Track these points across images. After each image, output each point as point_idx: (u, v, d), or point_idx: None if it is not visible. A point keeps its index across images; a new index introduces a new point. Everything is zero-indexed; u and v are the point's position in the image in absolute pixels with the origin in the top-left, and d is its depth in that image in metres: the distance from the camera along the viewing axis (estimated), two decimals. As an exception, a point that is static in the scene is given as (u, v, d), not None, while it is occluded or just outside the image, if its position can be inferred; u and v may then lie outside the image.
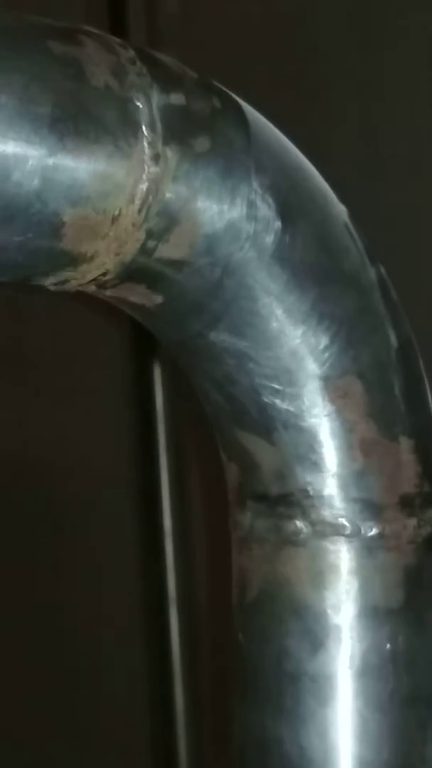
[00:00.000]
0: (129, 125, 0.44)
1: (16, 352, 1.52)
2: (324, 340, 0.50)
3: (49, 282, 0.46)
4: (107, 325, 1.34)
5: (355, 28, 1.18)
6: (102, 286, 0.47)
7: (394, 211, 1.14)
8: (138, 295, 0.48)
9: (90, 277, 0.46)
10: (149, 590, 1.34)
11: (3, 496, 1.51)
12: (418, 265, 1.10)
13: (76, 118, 0.43)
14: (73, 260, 0.45)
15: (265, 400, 0.50)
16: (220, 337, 0.50)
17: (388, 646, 0.50)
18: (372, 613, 0.50)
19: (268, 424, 0.51)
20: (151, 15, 1.31)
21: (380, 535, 0.51)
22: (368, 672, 0.50)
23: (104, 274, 0.47)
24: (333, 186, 0.52)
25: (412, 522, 0.51)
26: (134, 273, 0.47)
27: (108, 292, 0.48)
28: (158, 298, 0.48)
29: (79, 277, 0.46)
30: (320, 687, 0.50)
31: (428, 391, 0.53)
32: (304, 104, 1.20)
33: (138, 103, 0.44)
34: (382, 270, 0.52)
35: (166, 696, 1.32)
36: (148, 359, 1.33)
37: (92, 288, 0.48)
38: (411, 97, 1.13)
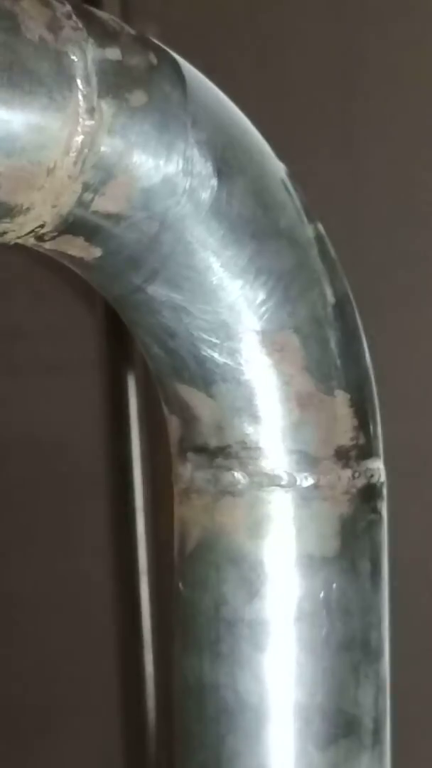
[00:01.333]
0: (63, 78, 0.45)
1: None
2: (261, 295, 0.51)
3: (-12, 233, 0.47)
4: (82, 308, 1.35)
5: (337, 7, 1.19)
6: (40, 238, 0.48)
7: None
8: (76, 248, 0.49)
9: (27, 228, 0.47)
10: (121, 561, 1.35)
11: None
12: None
13: (10, 70, 0.44)
14: (9, 211, 0.46)
15: (204, 353, 0.52)
16: (158, 291, 0.51)
17: (323, 593, 0.52)
18: (307, 561, 0.52)
19: (207, 377, 0.52)
20: None
21: (316, 486, 0.52)
22: (303, 618, 0.51)
23: (41, 226, 0.48)
24: (271, 144, 0.53)
25: (347, 473, 0.53)
26: (72, 226, 0.48)
27: (47, 245, 0.49)
28: (97, 252, 0.49)
29: (17, 229, 0.47)
30: (256, 633, 0.51)
31: (365, 347, 0.55)
32: (278, 81, 1.21)
33: (73, 57, 0.45)
34: (320, 227, 0.53)
35: (137, 664, 1.34)
36: (122, 337, 1.34)
37: (31, 240, 0.49)
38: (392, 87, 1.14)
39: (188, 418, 0.53)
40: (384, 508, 0.54)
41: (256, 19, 1.22)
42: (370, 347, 0.55)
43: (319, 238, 0.53)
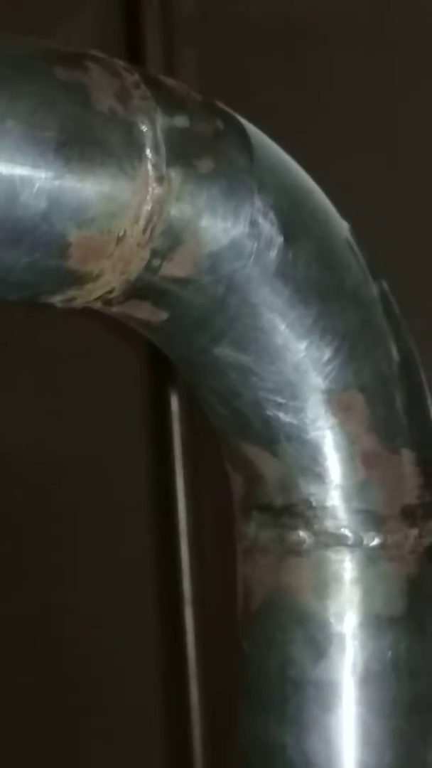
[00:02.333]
0: (133, 148, 0.45)
1: (33, 357, 1.54)
2: (327, 355, 0.51)
3: (56, 300, 0.48)
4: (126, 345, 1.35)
5: (368, 28, 1.19)
6: (108, 303, 0.49)
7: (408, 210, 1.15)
8: (143, 312, 0.49)
9: (96, 294, 0.48)
10: (165, 592, 1.35)
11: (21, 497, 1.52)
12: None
13: (81, 142, 0.44)
14: (79, 279, 0.46)
15: (269, 413, 0.52)
16: (224, 352, 0.51)
17: (390, 653, 0.51)
18: (374, 622, 0.51)
19: (272, 437, 0.52)
20: (167, 35, 1.32)
21: (382, 545, 0.52)
22: (371, 679, 0.51)
23: (110, 292, 0.48)
24: (334, 203, 0.53)
25: (414, 532, 0.52)
26: (139, 290, 0.48)
27: (114, 309, 0.49)
28: (163, 315, 0.50)
29: (86, 295, 0.48)
30: (323, 694, 0.51)
31: (429, 403, 0.54)
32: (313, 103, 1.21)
33: (142, 127, 0.46)
34: (384, 285, 0.53)
35: (181, 698, 1.33)
36: (165, 377, 1.34)
37: (98, 305, 0.49)
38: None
39: (252, 477, 0.53)
40: (450, 565, 0.54)
41: (293, 56, 1.23)
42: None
43: (383, 297, 0.53)
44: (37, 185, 0.44)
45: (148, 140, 0.46)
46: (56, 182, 0.44)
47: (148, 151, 0.46)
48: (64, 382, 1.51)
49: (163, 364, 1.32)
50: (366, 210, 1.16)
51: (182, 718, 1.34)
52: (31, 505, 1.52)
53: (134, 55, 1.30)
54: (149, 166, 0.46)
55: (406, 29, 1.15)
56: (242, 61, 1.30)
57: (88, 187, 0.45)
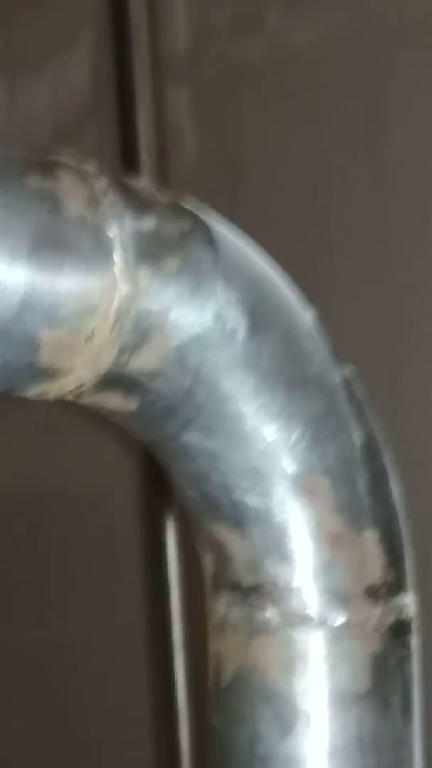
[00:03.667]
0: (102, 251, 0.48)
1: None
2: (291, 440, 0.53)
3: (30, 393, 0.50)
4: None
5: (367, 65, 1.21)
6: (79, 396, 0.51)
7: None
8: (113, 402, 0.51)
9: (67, 389, 0.50)
10: (155, 628, 1.36)
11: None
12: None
13: (52, 247, 0.46)
14: (51, 375, 0.48)
15: (236, 497, 0.53)
16: (192, 438, 0.53)
17: (355, 729, 0.53)
18: (340, 698, 0.53)
19: (240, 519, 0.54)
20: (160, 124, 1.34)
21: (347, 624, 0.54)
22: (336, 754, 0.53)
23: (81, 386, 0.50)
24: (299, 294, 0.55)
25: (378, 611, 0.54)
26: (109, 383, 0.50)
27: (85, 401, 0.51)
28: (133, 405, 0.52)
29: (57, 390, 0.50)
30: (290, 769, 0.53)
31: (393, 484, 0.56)
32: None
33: (109, 232, 0.48)
34: (348, 371, 0.55)
35: (173, 744, 1.34)
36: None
37: (70, 397, 0.51)
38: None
39: (222, 556, 0.55)
40: (414, 642, 0.56)
41: (289, 108, 1.25)
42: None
43: (346, 383, 0.55)
44: (9, 289, 0.46)
45: (117, 243, 0.48)
46: (28, 286, 0.46)
47: (115, 254, 0.48)
48: (58, 415, 1.52)
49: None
50: (352, 252, 1.18)
51: (171, 750, 1.35)
52: (24, 538, 1.53)
53: (125, 91, 1.32)
54: (117, 268, 0.48)
55: (399, 63, 1.18)
56: (233, 100, 1.32)
57: (58, 290, 0.47)
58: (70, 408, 0.53)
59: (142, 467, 1.36)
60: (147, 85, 1.32)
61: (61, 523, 1.51)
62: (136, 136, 1.32)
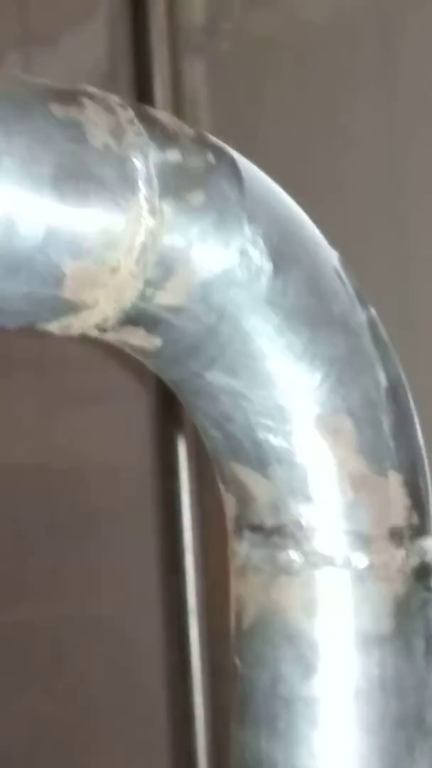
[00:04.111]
0: (127, 182, 0.47)
1: (41, 368, 1.55)
2: (316, 380, 0.53)
3: (53, 327, 0.49)
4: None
5: (380, 38, 1.21)
6: (103, 330, 0.50)
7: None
8: (138, 338, 0.51)
9: (91, 322, 0.49)
10: (170, 601, 1.36)
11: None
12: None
13: (76, 177, 0.46)
14: (74, 308, 0.48)
15: (260, 436, 0.53)
16: (216, 377, 0.52)
17: (377, 671, 0.53)
18: (362, 640, 0.53)
19: (263, 459, 0.53)
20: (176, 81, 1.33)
21: (370, 566, 0.53)
22: (358, 696, 0.53)
23: (105, 320, 0.49)
24: (324, 233, 0.54)
25: (401, 553, 0.54)
26: (133, 318, 0.50)
27: (109, 336, 0.51)
28: (157, 341, 0.51)
29: (81, 323, 0.49)
30: (312, 710, 0.53)
31: (417, 427, 0.56)
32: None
33: (135, 161, 0.47)
34: (373, 312, 0.55)
35: (186, 707, 1.34)
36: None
37: (94, 332, 0.50)
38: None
39: (244, 497, 0.55)
40: (437, 585, 0.55)
41: (302, 81, 1.24)
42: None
43: (371, 324, 0.54)
44: (34, 219, 0.45)
45: (141, 175, 0.47)
46: (52, 215, 0.46)
47: (141, 185, 0.47)
48: (73, 392, 1.52)
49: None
50: (368, 225, 1.17)
51: (187, 728, 1.35)
52: (40, 514, 1.54)
53: (141, 65, 1.32)
54: (142, 200, 0.47)
55: (413, 34, 1.17)
56: (248, 72, 1.31)
57: (83, 220, 0.46)
58: (95, 345, 0.53)
59: (156, 440, 1.36)
60: (163, 58, 1.31)
61: (75, 497, 1.51)
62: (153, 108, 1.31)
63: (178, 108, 1.32)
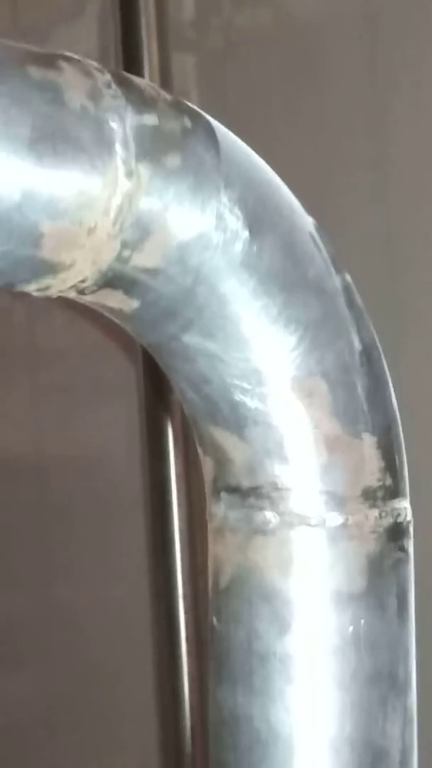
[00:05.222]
0: (104, 144, 0.48)
1: (30, 358, 1.56)
2: (291, 343, 0.54)
3: (32, 288, 0.50)
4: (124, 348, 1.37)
5: (369, 34, 1.22)
6: (81, 292, 0.51)
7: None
8: (115, 300, 0.52)
9: (69, 283, 0.50)
10: (159, 588, 1.37)
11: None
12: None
13: (53, 138, 0.47)
14: (52, 268, 0.49)
15: (236, 398, 0.54)
16: (193, 339, 0.53)
17: (351, 628, 0.54)
18: (335, 598, 0.54)
19: (240, 421, 0.54)
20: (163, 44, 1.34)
21: (344, 525, 0.54)
22: (331, 652, 0.54)
23: (83, 281, 0.50)
24: (300, 199, 0.55)
25: (374, 513, 0.55)
26: (111, 280, 0.51)
27: (87, 298, 0.52)
28: (135, 303, 0.52)
29: (60, 284, 0.50)
30: (287, 666, 0.54)
31: (391, 391, 0.57)
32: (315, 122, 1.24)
33: (112, 124, 0.48)
34: (348, 278, 0.56)
35: (175, 691, 1.35)
36: (163, 379, 1.36)
37: (72, 294, 0.51)
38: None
39: (222, 460, 0.56)
40: (410, 546, 0.56)
41: (292, 77, 1.25)
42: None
43: (346, 288, 0.55)
44: (10, 179, 0.46)
45: (118, 137, 0.48)
46: (29, 176, 0.47)
47: (117, 147, 0.48)
48: (61, 382, 1.53)
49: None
50: (357, 218, 1.18)
51: (176, 714, 1.36)
52: (27, 504, 1.54)
53: (131, 60, 1.33)
54: (119, 162, 0.48)
55: (402, 33, 1.18)
56: (238, 68, 1.32)
57: (60, 181, 0.47)
58: (73, 306, 0.54)
59: (146, 430, 1.37)
60: (153, 53, 1.32)
61: (65, 487, 1.52)
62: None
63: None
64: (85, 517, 1.50)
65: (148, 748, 1.39)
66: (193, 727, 1.31)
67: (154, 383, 1.35)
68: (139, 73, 1.32)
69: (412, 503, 0.57)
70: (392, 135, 1.19)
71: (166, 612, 1.36)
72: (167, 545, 1.35)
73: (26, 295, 0.51)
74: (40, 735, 1.54)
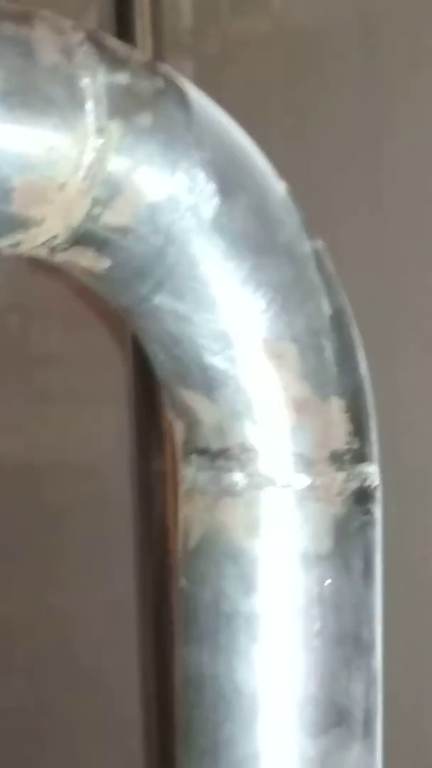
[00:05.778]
0: (75, 100, 0.49)
1: (22, 363, 1.56)
2: (260, 306, 0.54)
3: (3, 245, 0.51)
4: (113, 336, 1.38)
5: (367, 45, 1.23)
6: (53, 250, 0.52)
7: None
8: (87, 259, 0.53)
9: (40, 240, 0.51)
10: (148, 594, 1.37)
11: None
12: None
13: (25, 92, 0.48)
14: (23, 223, 0.50)
15: (206, 360, 0.55)
16: (163, 300, 0.54)
17: (317, 589, 0.54)
18: (302, 559, 0.54)
19: (209, 383, 0.55)
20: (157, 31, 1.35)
21: (311, 487, 0.55)
22: (297, 612, 0.54)
23: (54, 238, 0.51)
24: (273, 164, 0.56)
25: (341, 476, 0.55)
26: (82, 237, 0.52)
27: (59, 256, 0.53)
28: (106, 263, 0.53)
29: (31, 240, 0.51)
30: (252, 626, 0.54)
31: (361, 356, 0.57)
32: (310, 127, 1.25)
33: (84, 80, 0.49)
34: (319, 244, 0.56)
35: (163, 688, 1.35)
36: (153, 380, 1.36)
37: (44, 252, 0.52)
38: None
39: (192, 422, 0.56)
40: (378, 510, 0.57)
41: (290, 84, 1.26)
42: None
43: (316, 254, 0.56)
44: (-20, 131, 0.47)
45: (89, 94, 0.49)
46: (0, 129, 0.47)
47: (89, 104, 0.49)
48: (53, 388, 1.54)
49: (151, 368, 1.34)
50: (352, 221, 1.19)
51: (165, 712, 1.36)
52: (18, 509, 1.55)
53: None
54: (90, 118, 0.49)
55: (399, 45, 1.19)
56: (235, 77, 1.33)
57: (31, 135, 0.48)
58: (44, 267, 0.54)
59: (137, 437, 1.38)
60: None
61: (56, 492, 1.53)
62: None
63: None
64: (76, 523, 1.50)
65: (135, 753, 1.39)
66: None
67: (145, 390, 1.36)
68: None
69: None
70: (391, 142, 1.20)
71: (155, 617, 1.36)
72: (157, 551, 1.36)
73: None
74: (30, 739, 1.54)
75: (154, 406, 1.36)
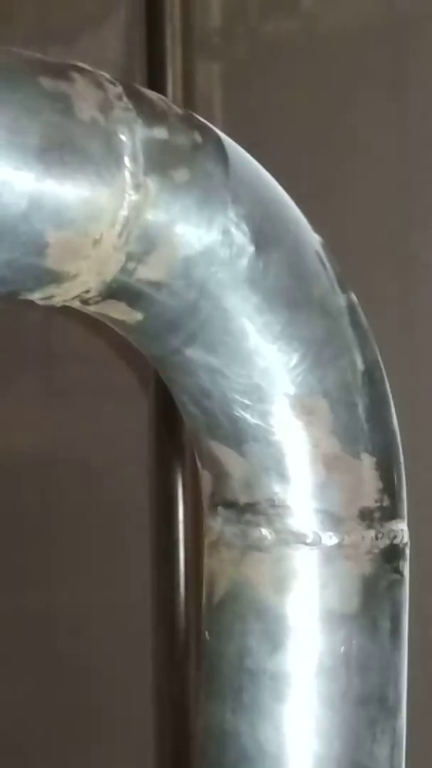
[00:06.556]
0: (112, 156, 0.48)
1: (40, 361, 1.56)
2: (293, 361, 0.54)
3: (36, 297, 0.50)
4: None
5: (397, 43, 1.22)
6: (85, 302, 0.51)
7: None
8: (119, 312, 0.52)
9: (73, 294, 0.50)
10: (163, 592, 1.37)
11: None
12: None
13: (62, 149, 0.47)
14: (57, 278, 0.49)
15: (237, 414, 0.54)
16: (195, 353, 0.53)
17: (343, 648, 0.54)
18: (328, 617, 0.54)
19: (239, 437, 0.54)
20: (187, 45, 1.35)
21: (339, 545, 0.54)
22: (323, 672, 0.54)
23: (87, 292, 0.51)
24: (307, 217, 0.55)
25: (371, 534, 0.55)
26: (115, 291, 0.51)
27: (91, 308, 0.52)
28: (138, 315, 0.52)
29: (64, 294, 0.50)
30: (277, 684, 0.54)
31: (392, 411, 0.57)
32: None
33: (122, 136, 0.48)
34: (353, 297, 0.56)
35: (179, 699, 1.35)
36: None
37: (76, 304, 0.52)
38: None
39: (220, 474, 0.56)
40: (406, 568, 0.56)
41: (318, 85, 1.25)
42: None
43: (350, 308, 0.55)
44: (18, 187, 0.46)
45: (127, 149, 0.48)
46: (37, 185, 0.47)
47: (126, 160, 0.48)
48: (71, 384, 1.53)
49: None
50: (374, 229, 1.18)
51: (181, 716, 1.36)
52: (34, 507, 1.55)
53: (155, 66, 1.33)
54: (127, 174, 0.48)
55: (427, 48, 1.18)
56: (262, 77, 1.32)
57: (67, 191, 0.48)
58: (76, 315, 0.54)
59: (155, 436, 1.37)
60: (177, 60, 1.33)
61: (72, 490, 1.52)
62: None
63: (191, 110, 1.33)
64: (91, 523, 1.50)
65: (146, 755, 1.39)
66: (193, 736, 1.31)
67: (167, 392, 1.35)
68: (163, 79, 1.32)
69: (414, 524, 0.57)
70: (415, 144, 1.19)
71: (167, 619, 1.36)
72: (172, 554, 1.35)
73: (31, 304, 0.51)
74: (38, 739, 1.54)
75: (176, 408, 1.36)
